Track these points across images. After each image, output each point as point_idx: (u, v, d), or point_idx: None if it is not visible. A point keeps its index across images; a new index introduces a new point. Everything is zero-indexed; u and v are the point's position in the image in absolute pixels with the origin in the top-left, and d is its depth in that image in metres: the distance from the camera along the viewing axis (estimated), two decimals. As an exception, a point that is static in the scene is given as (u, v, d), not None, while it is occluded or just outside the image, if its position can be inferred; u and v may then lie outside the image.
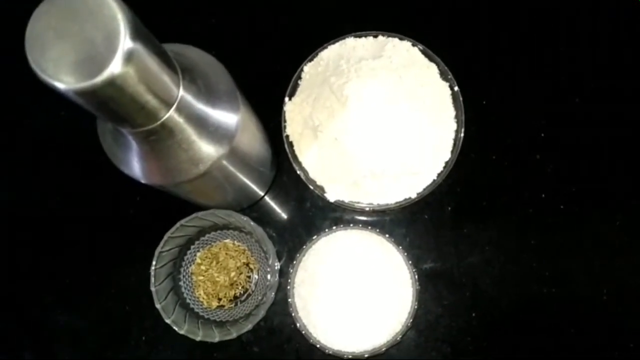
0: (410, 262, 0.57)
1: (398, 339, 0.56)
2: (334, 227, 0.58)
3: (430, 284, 0.60)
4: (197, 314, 0.60)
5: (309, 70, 0.61)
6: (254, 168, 0.55)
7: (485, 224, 0.62)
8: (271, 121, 0.61)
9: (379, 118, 0.54)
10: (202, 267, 0.62)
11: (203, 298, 0.61)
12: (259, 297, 0.60)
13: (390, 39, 0.61)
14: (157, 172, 0.43)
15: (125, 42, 0.30)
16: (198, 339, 0.55)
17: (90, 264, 0.65)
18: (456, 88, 0.59)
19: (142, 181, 0.44)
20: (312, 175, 0.59)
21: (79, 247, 0.65)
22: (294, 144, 0.60)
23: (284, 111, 0.60)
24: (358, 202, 0.58)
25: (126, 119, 0.36)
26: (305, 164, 0.59)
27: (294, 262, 0.58)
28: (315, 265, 0.58)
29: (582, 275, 0.60)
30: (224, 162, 0.45)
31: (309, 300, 0.57)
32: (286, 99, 0.60)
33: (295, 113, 0.60)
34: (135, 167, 0.43)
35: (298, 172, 0.59)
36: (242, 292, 0.62)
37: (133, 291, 0.61)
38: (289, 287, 0.57)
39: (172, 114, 0.38)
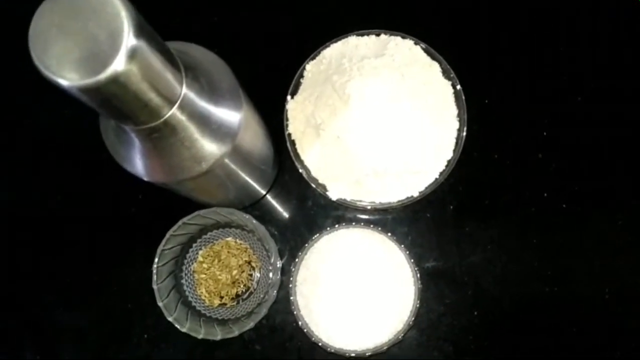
0: (412, 260, 0.57)
1: (400, 337, 0.56)
2: (336, 226, 0.58)
3: (432, 283, 0.60)
4: (199, 312, 0.60)
5: (311, 68, 0.61)
6: (256, 166, 0.55)
7: (487, 222, 0.62)
8: (273, 119, 0.61)
9: (381, 116, 0.54)
10: (204, 265, 0.62)
11: (205, 296, 0.61)
12: (261, 296, 0.60)
13: (392, 37, 0.61)
14: (159, 169, 0.43)
15: (129, 39, 0.30)
16: (200, 337, 0.55)
17: (91, 262, 0.65)
18: (458, 87, 0.59)
19: (145, 179, 0.44)
20: (314, 173, 0.59)
21: (81, 245, 0.65)
22: (296, 142, 0.60)
23: (286, 109, 0.60)
24: (360, 201, 0.58)
25: (129, 116, 0.36)
26: (307, 162, 0.59)
27: (296, 260, 0.58)
28: (317, 263, 0.58)
29: (583, 275, 0.60)
30: (227, 160, 0.45)
31: (311, 298, 0.57)
32: (288, 97, 0.61)
33: (298, 111, 0.60)
34: (138, 164, 0.43)
35: (300, 170, 0.59)
36: (244, 290, 0.62)
37: (135, 289, 0.62)
38: (290, 286, 0.57)
39: (174, 111, 0.38)
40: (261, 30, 0.68)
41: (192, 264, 0.62)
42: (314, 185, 0.59)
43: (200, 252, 0.63)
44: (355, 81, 0.54)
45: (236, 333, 0.55)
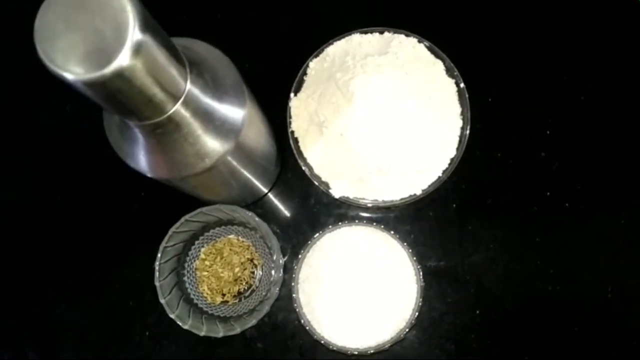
0: (414, 258, 0.57)
1: (402, 336, 0.56)
2: (339, 224, 0.58)
3: (434, 281, 0.60)
4: (201, 309, 0.60)
5: (314, 66, 0.61)
6: (259, 164, 0.54)
7: (490, 221, 0.62)
8: (276, 117, 0.61)
9: (385, 114, 0.54)
10: (207, 263, 0.62)
11: (207, 293, 0.61)
12: (263, 293, 0.60)
13: (396, 35, 0.60)
14: (163, 165, 0.43)
15: (134, 33, 0.30)
16: (202, 334, 0.55)
17: (93, 260, 0.65)
18: (462, 85, 0.59)
19: (148, 175, 0.44)
20: (317, 171, 0.59)
21: (82, 243, 0.65)
22: (299, 139, 0.60)
23: (289, 107, 0.60)
24: (363, 199, 0.58)
25: (133, 111, 0.36)
26: (310, 160, 0.59)
27: (299, 258, 0.58)
28: (320, 261, 0.58)
29: (586, 274, 0.60)
30: (230, 157, 0.45)
31: (313, 296, 0.57)
32: (292, 94, 0.60)
33: (301, 109, 0.60)
34: (142, 160, 0.43)
35: (303, 167, 0.59)
36: (246, 287, 0.62)
37: (137, 287, 0.62)
38: (293, 283, 0.57)
39: (179, 107, 0.38)
40: (265, 28, 0.68)
41: (195, 261, 0.62)
42: (316, 183, 0.59)
43: (203, 249, 0.63)
44: (358, 79, 0.54)
45: (238, 330, 0.55)
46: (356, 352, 0.55)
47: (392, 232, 0.57)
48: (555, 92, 0.64)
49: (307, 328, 0.56)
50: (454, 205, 0.62)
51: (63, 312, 0.64)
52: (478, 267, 0.61)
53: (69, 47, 0.30)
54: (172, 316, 0.54)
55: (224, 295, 0.61)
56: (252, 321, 0.55)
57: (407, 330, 0.56)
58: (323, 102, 0.57)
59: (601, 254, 0.60)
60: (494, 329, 0.60)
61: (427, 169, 0.57)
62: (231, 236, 0.63)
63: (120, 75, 0.30)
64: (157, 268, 0.55)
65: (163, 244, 0.56)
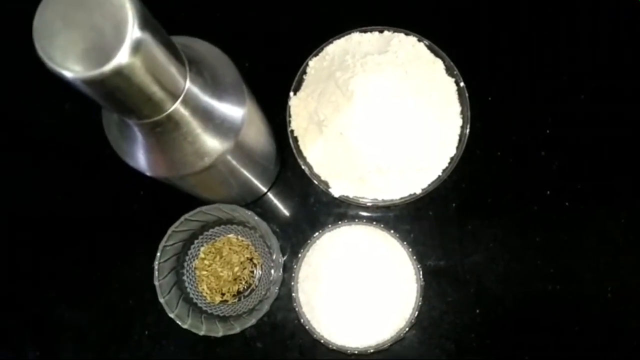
0: (414, 257, 0.57)
1: (402, 335, 0.55)
2: (339, 223, 0.58)
3: (434, 281, 0.60)
4: (200, 308, 0.60)
5: (314, 65, 0.61)
6: (258, 163, 0.54)
7: (489, 220, 0.62)
8: (276, 116, 0.61)
9: (385, 113, 0.54)
10: (206, 262, 0.62)
11: (206, 293, 0.61)
12: (263, 292, 0.60)
13: (396, 34, 0.60)
14: (162, 164, 0.43)
15: (134, 31, 0.30)
16: (201, 333, 0.55)
17: (92, 259, 0.64)
18: (462, 84, 0.59)
19: (147, 174, 0.43)
20: (316, 170, 0.59)
21: (82, 242, 0.65)
22: (299, 138, 0.60)
23: (289, 106, 0.60)
24: (362, 198, 0.58)
25: (133, 109, 0.36)
26: (309, 159, 0.59)
27: (298, 257, 0.58)
28: (320, 260, 0.57)
29: (586, 273, 0.60)
30: (229, 156, 0.45)
31: (313, 295, 0.56)
32: (291, 93, 0.60)
33: (301, 108, 0.59)
34: (141, 159, 0.42)
35: (303, 167, 0.59)
36: (245, 287, 0.62)
37: (136, 286, 0.61)
38: (292, 283, 0.57)
39: (178, 106, 0.38)
40: (265, 27, 0.68)
41: (194, 260, 0.62)
42: (316, 182, 0.59)
43: (202, 248, 0.62)
44: (358, 77, 0.54)
45: (237, 330, 0.55)
46: (356, 352, 0.55)
47: (391, 232, 0.57)
48: (555, 92, 0.64)
49: (307, 327, 0.56)
50: (454, 205, 0.62)
51: (62, 311, 0.64)
52: (478, 266, 0.60)
53: (68, 44, 0.30)
54: (171, 315, 0.54)
55: (223, 294, 0.61)
56: (252, 320, 0.55)
57: (407, 329, 0.55)
58: (323, 101, 0.57)
59: (601, 253, 0.60)
60: (494, 328, 0.60)
61: (427, 168, 0.57)
62: (231, 235, 0.63)
63: (119, 73, 0.30)
64: (156, 267, 0.55)
65: (162, 243, 0.56)
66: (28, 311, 0.64)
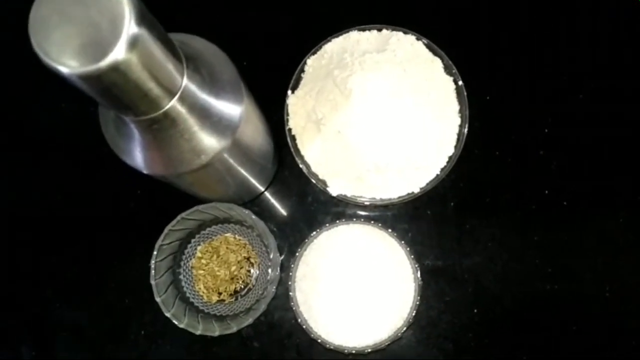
0: (412, 257, 0.56)
1: (400, 334, 0.55)
2: (336, 222, 0.58)
3: (432, 280, 0.60)
4: (197, 308, 0.59)
5: (312, 63, 0.61)
6: (256, 161, 0.54)
7: (488, 220, 0.61)
8: (274, 114, 0.61)
9: (383, 111, 0.54)
10: (203, 261, 0.61)
11: (203, 292, 0.61)
12: (260, 292, 0.59)
13: (394, 32, 0.60)
14: (159, 162, 0.42)
15: (130, 27, 0.29)
16: (198, 332, 0.55)
17: (89, 258, 0.64)
18: (460, 82, 0.59)
19: (144, 171, 0.43)
20: (314, 169, 0.59)
21: (78, 241, 0.65)
22: (297, 137, 0.59)
23: (286, 104, 0.60)
24: (360, 197, 0.58)
25: (129, 106, 0.35)
26: (307, 158, 0.59)
27: (296, 256, 0.57)
28: (317, 259, 0.57)
29: (584, 273, 0.60)
30: (226, 155, 0.44)
31: (310, 294, 0.56)
32: (289, 92, 0.60)
33: (298, 106, 0.59)
34: (138, 157, 0.42)
35: (300, 165, 0.58)
36: (242, 286, 0.61)
37: (133, 285, 0.61)
38: (290, 282, 0.57)
39: (175, 103, 0.37)
40: (263, 26, 0.68)
41: (191, 259, 0.62)
42: (314, 181, 0.58)
43: (199, 247, 0.62)
44: (356, 76, 0.54)
45: (234, 329, 0.55)
46: (353, 351, 0.55)
47: (389, 231, 0.57)
48: (554, 91, 0.64)
49: (304, 327, 0.56)
50: (452, 204, 0.62)
51: (59, 311, 0.63)
52: (476, 266, 0.60)
53: (64, 40, 0.29)
54: (167, 315, 0.54)
55: (220, 293, 0.61)
56: (249, 320, 0.55)
57: (404, 329, 0.55)
58: (321, 100, 0.57)
59: (600, 253, 0.60)
60: (492, 328, 0.59)
61: (425, 167, 0.57)
62: (228, 234, 0.63)
63: (115, 68, 0.29)
64: (152, 266, 0.55)
65: (159, 242, 0.55)
66: (24, 310, 0.64)
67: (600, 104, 0.63)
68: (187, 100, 0.38)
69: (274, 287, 0.56)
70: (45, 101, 0.68)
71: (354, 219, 0.58)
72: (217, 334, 0.55)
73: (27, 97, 0.69)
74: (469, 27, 0.66)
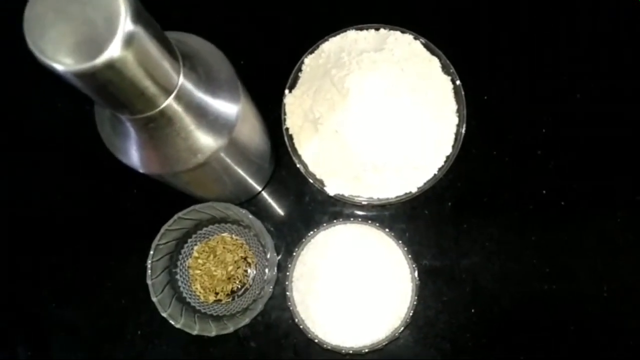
0: (409, 256, 0.56)
1: (397, 334, 0.55)
2: (334, 221, 0.58)
3: (429, 280, 0.60)
4: (193, 308, 0.59)
5: (309, 62, 0.61)
6: (252, 161, 0.54)
7: (485, 219, 0.61)
8: (271, 114, 0.60)
9: (380, 111, 0.54)
10: (199, 261, 0.61)
11: (200, 292, 0.60)
12: (257, 292, 0.59)
13: (392, 32, 0.60)
14: (155, 160, 0.42)
15: (126, 24, 0.29)
16: (194, 333, 0.54)
17: (86, 257, 0.64)
18: (458, 82, 0.58)
19: (140, 170, 0.43)
20: (311, 168, 0.59)
21: (74, 240, 0.64)
22: (294, 136, 0.59)
23: (284, 103, 0.60)
24: (358, 196, 0.58)
25: (125, 104, 0.35)
26: (304, 157, 0.59)
27: (293, 256, 0.57)
28: (314, 259, 0.57)
29: (582, 272, 0.60)
30: (223, 154, 0.44)
31: (308, 294, 0.56)
32: (286, 91, 0.60)
33: (296, 106, 0.59)
34: (134, 155, 0.42)
35: (298, 165, 0.58)
36: (239, 286, 0.61)
37: (129, 285, 0.61)
38: (287, 282, 0.57)
39: (171, 101, 0.37)
40: (260, 24, 0.68)
41: (187, 259, 0.61)
42: (311, 181, 0.58)
43: (196, 247, 0.62)
44: (354, 75, 0.54)
45: (231, 329, 0.55)
46: (351, 351, 0.55)
47: (387, 230, 0.57)
48: (552, 91, 0.64)
49: (301, 327, 0.55)
50: (450, 204, 0.62)
51: (55, 310, 0.63)
52: (474, 265, 0.60)
53: (59, 37, 0.29)
54: (164, 315, 0.54)
55: (217, 293, 0.60)
56: (246, 320, 0.55)
57: (402, 329, 0.55)
58: (318, 99, 0.57)
59: (597, 252, 0.60)
60: (489, 328, 0.59)
61: (422, 167, 0.57)
62: (225, 234, 0.62)
63: (111, 66, 0.29)
64: (149, 266, 0.55)
65: (155, 242, 0.55)
66: (20, 310, 0.64)
67: (598, 103, 0.63)
68: (184, 98, 0.38)
69: (271, 287, 0.56)
70: (41, 100, 0.67)
71: (352, 219, 0.58)
72: (213, 334, 0.55)
73: (22, 96, 0.69)
74: (467, 26, 0.66)
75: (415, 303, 0.55)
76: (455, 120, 0.58)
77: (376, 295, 0.55)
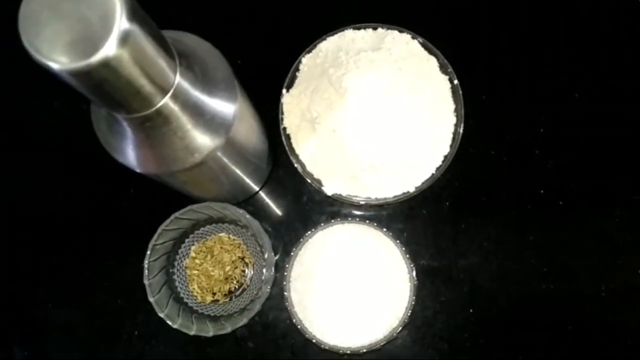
0: (407, 256, 0.56)
1: (395, 334, 0.55)
2: (331, 221, 0.58)
3: (427, 280, 0.60)
4: (191, 308, 0.59)
5: (307, 61, 0.61)
6: (250, 161, 0.54)
7: (483, 219, 0.61)
8: (268, 113, 0.60)
9: (378, 110, 0.54)
10: (197, 261, 0.61)
11: (197, 292, 0.60)
12: (254, 292, 0.59)
13: (389, 31, 0.60)
14: (152, 160, 0.42)
15: (122, 22, 0.29)
16: (192, 333, 0.54)
17: (82, 258, 0.64)
18: (456, 81, 0.58)
19: (137, 170, 0.43)
20: (309, 168, 0.58)
21: (70, 241, 0.64)
22: (291, 136, 0.59)
23: (281, 103, 0.59)
24: (356, 196, 0.58)
25: (121, 103, 0.35)
26: (302, 157, 0.59)
27: (291, 256, 0.57)
28: (312, 259, 0.57)
29: (580, 272, 0.60)
30: (220, 153, 0.44)
31: (305, 294, 0.56)
32: (284, 90, 0.60)
33: (293, 105, 0.59)
34: (130, 155, 0.42)
35: (295, 164, 0.58)
36: (237, 286, 0.61)
37: (126, 285, 0.61)
38: (284, 282, 0.57)
39: (168, 100, 0.37)
40: (258, 24, 0.67)
41: (185, 259, 0.61)
42: (309, 180, 0.58)
43: (193, 247, 0.62)
44: (352, 74, 0.54)
45: (229, 329, 0.54)
46: (348, 352, 0.55)
47: (385, 230, 0.56)
48: (550, 90, 0.64)
49: (299, 327, 0.55)
50: (448, 203, 0.62)
51: (52, 310, 0.63)
52: (472, 265, 0.60)
53: (55, 36, 0.29)
54: (161, 315, 0.54)
55: (214, 294, 0.60)
56: (243, 320, 0.54)
57: (400, 329, 0.55)
58: (315, 98, 0.56)
59: (595, 252, 0.60)
60: (487, 327, 0.59)
61: (420, 166, 0.57)
62: (222, 234, 0.62)
63: (106, 64, 0.29)
64: (146, 266, 0.55)
65: (152, 242, 0.55)
66: (17, 310, 0.64)
67: (596, 103, 0.63)
68: (180, 97, 0.38)
69: (269, 287, 0.56)
70: (37, 99, 0.67)
71: (349, 219, 0.58)
72: (211, 334, 0.54)
73: (18, 95, 0.68)
74: (465, 25, 0.66)
75: (413, 303, 0.55)
76: (453, 120, 0.58)
77: (374, 295, 0.55)
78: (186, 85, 0.38)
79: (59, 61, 0.29)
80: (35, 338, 0.62)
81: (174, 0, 0.68)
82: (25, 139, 0.67)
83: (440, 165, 0.57)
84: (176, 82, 0.37)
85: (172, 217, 0.55)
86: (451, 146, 0.58)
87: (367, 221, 0.57)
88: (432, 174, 0.57)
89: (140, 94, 0.34)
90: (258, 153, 0.56)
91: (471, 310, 0.59)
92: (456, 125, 0.58)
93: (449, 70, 0.59)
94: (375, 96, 0.53)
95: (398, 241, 0.56)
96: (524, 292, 0.60)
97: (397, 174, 0.56)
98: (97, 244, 0.64)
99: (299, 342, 0.59)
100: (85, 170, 0.65)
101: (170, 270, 0.59)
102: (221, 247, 0.61)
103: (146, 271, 0.54)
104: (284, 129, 0.59)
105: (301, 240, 0.57)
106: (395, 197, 0.57)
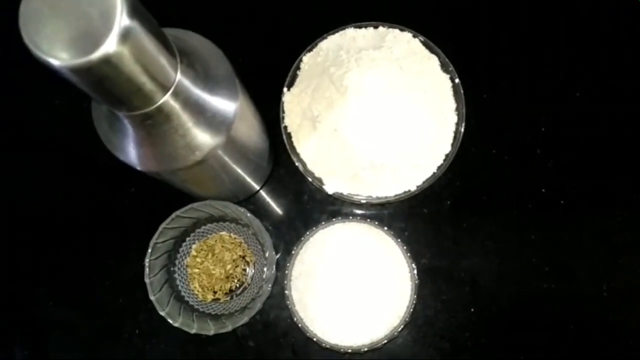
0: (408, 255, 0.56)
1: (396, 333, 0.55)
2: (332, 220, 0.58)
3: (428, 279, 0.60)
4: (192, 306, 0.59)
5: (308, 60, 0.60)
6: (251, 159, 0.54)
7: (484, 218, 0.61)
8: (269, 112, 0.60)
9: (379, 109, 0.53)
10: (198, 260, 0.61)
11: (198, 291, 0.60)
12: (255, 291, 0.59)
13: (391, 30, 0.60)
14: (153, 158, 0.42)
15: (122, 19, 0.29)
16: (193, 331, 0.54)
17: (83, 255, 0.64)
18: (457, 80, 0.58)
19: (138, 168, 0.43)
20: (310, 167, 0.58)
21: (72, 239, 0.64)
22: (292, 135, 0.59)
23: (282, 102, 0.59)
24: (357, 195, 0.58)
25: (122, 100, 0.35)
26: (303, 156, 0.58)
27: (291, 255, 0.57)
28: (313, 258, 0.57)
29: (582, 271, 0.60)
30: (221, 152, 0.44)
31: (306, 293, 0.56)
32: (285, 89, 0.60)
33: (294, 104, 0.59)
34: (131, 153, 0.42)
35: (296, 163, 0.58)
36: (237, 285, 0.61)
37: (127, 284, 0.61)
38: (285, 281, 0.56)
39: (168, 98, 0.37)
40: (259, 22, 0.67)
41: (186, 258, 0.61)
42: (310, 179, 0.58)
43: (194, 246, 0.62)
44: (353, 73, 0.54)
45: (229, 328, 0.54)
46: (349, 350, 0.55)
47: (386, 229, 0.56)
48: (551, 90, 0.64)
49: (300, 326, 0.55)
50: (449, 202, 0.62)
51: (53, 309, 0.63)
52: (473, 264, 0.60)
53: (55, 32, 0.29)
54: (162, 313, 0.54)
55: (215, 292, 0.60)
56: (244, 319, 0.54)
57: (401, 328, 0.55)
58: (316, 97, 0.56)
59: (596, 251, 0.60)
60: (488, 327, 0.59)
61: (421, 165, 0.57)
62: (223, 233, 0.62)
63: (107, 61, 0.29)
64: (147, 265, 0.54)
65: (153, 240, 0.55)
66: (18, 310, 0.64)
67: (597, 103, 0.63)
68: (181, 95, 0.38)
69: (270, 286, 0.56)
70: (38, 98, 0.67)
71: (350, 217, 0.58)
72: (212, 332, 0.54)
73: (18, 93, 0.68)
74: (466, 24, 0.66)
75: (414, 302, 0.55)
76: (454, 119, 0.58)
77: (375, 294, 0.55)
78: (187, 83, 0.38)
79: (59, 58, 0.29)
80: (36, 337, 0.62)
81: (176, 1, 0.68)
82: (25, 139, 0.67)
83: (442, 164, 0.57)
84: (177, 79, 0.37)
85: (173, 215, 0.55)
86: (452, 145, 0.58)
87: (368, 220, 0.57)
88: (434, 173, 0.57)
89: (141, 91, 0.34)
90: (259, 152, 0.56)
91: (472, 310, 0.59)
92: (457, 124, 0.58)
93: (450, 69, 0.59)
94: (376, 95, 0.53)
95: (399, 240, 0.56)
96: (525, 291, 0.60)
97: (398, 173, 0.56)
98: (97, 243, 0.64)
99: (300, 340, 0.59)
100: (86, 169, 0.65)
101: (171, 269, 0.59)
102: (222, 246, 0.61)
103: (147, 270, 0.54)
104: (285, 127, 0.59)
105: (302, 239, 0.57)
106: (396, 196, 0.57)
